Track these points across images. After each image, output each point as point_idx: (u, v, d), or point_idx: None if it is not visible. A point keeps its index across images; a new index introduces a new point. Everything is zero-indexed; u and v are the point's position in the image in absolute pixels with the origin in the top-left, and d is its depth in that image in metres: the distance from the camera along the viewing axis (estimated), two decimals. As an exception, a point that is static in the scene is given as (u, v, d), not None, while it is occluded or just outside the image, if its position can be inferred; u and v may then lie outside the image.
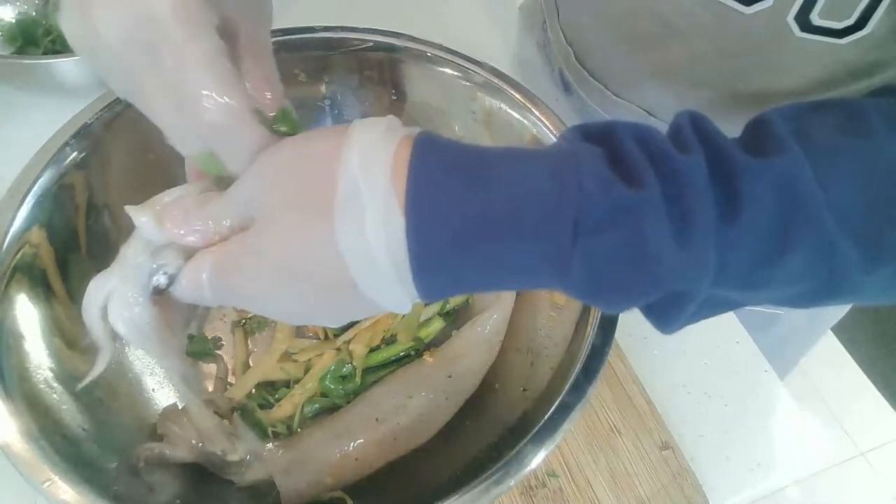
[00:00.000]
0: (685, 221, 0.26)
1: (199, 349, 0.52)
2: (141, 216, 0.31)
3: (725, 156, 0.27)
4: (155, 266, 0.31)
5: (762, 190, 0.26)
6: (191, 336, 0.53)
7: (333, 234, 0.26)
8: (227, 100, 0.28)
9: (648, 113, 0.53)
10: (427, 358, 0.50)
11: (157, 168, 0.49)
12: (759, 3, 0.39)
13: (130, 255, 0.31)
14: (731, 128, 0.49)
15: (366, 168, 0.26)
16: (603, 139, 0.28)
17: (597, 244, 0.26)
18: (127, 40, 0.28)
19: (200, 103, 0.28)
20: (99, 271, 0.32)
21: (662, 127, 0.53)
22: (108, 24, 0.27)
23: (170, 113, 0.29)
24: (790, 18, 0.38)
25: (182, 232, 0.30)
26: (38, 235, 0.44)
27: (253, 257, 0.28)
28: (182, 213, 0.30)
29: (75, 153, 0.46)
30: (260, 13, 0.35)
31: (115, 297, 0.31)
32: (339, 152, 0.26)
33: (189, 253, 0.31)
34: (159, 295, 0.31)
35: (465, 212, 0.25)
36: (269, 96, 0.35)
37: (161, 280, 0.31)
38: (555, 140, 0.48)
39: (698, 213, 0.26)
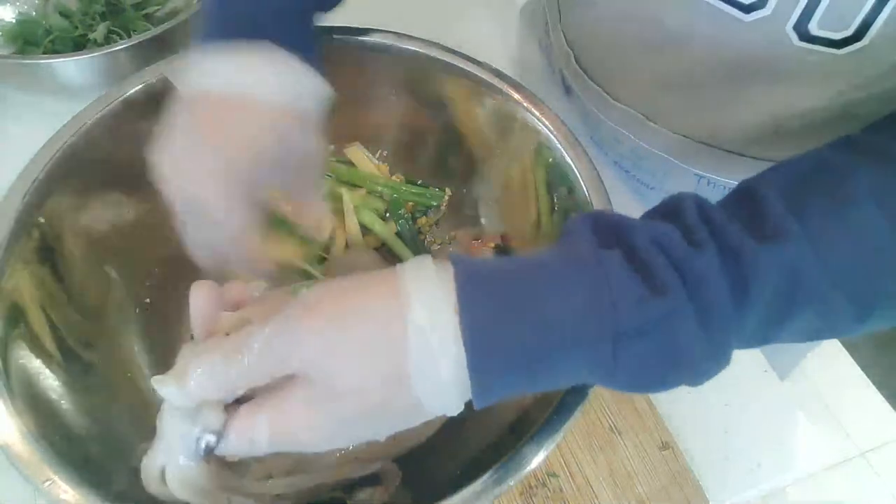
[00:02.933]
0: (707, 313, 0.30)
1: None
2: (164, 387, 0.31)
3: (733, 245, 0.30)
4: (198, 430, 0.31)
5: (767, 272, 0.30)
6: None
7: (409, 379, 0.29)
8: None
9: (647, 118, 0.53)
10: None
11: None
12: (758, 12, 0.39)
13: (169, 426, 0.32)
14: (729, 134, 0.49)
15: (433, 320, 0.29)
16: (617, 239, 0.31)
17: (634, 351, 0.29)
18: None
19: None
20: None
21: (658, 131, 0.53)
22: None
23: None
24: (789, 28, 0.39)
25: (211, 392, 0.30)
26: (38, 235, 0.44)
27: (316, 412, 0.30)
28: (206, 373, 0.30)
29: (75, 153, 0.46)
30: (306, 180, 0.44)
31: (168, 468, 0.32)
32: (398, 306, 0.29)
33: (224, 405, 0.31)
34: (210, 453, 0.31)
35: (516, 340, 0.29)
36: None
37: (209, 440, 0.31)
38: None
39: (717, 303, 0.30)
